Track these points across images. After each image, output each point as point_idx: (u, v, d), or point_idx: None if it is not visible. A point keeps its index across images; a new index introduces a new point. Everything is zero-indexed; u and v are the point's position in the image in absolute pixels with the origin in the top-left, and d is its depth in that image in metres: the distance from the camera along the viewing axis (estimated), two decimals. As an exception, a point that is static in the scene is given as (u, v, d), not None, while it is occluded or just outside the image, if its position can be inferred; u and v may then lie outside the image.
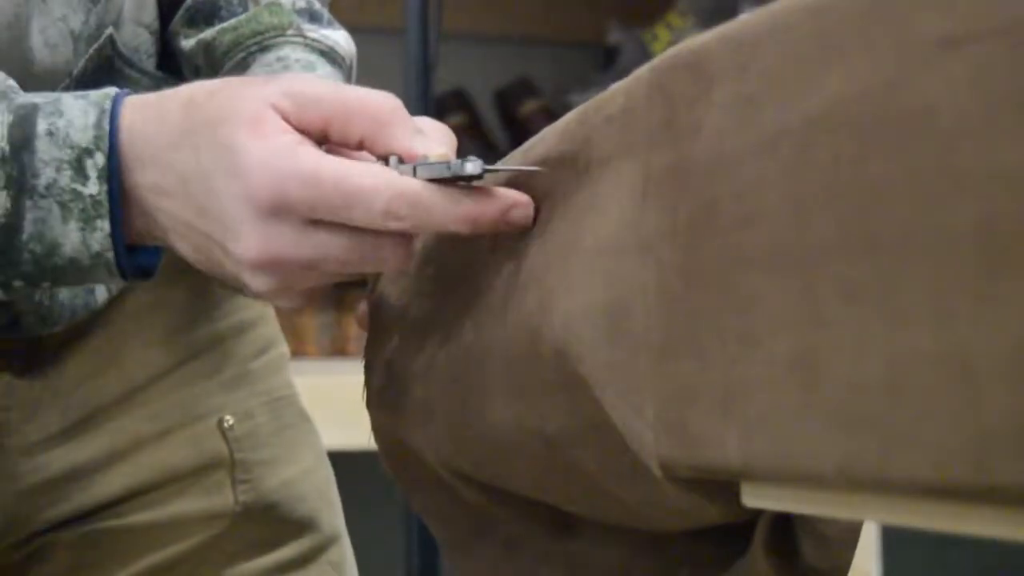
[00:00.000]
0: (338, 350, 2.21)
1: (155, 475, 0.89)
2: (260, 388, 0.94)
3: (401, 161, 0.63)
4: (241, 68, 0.85)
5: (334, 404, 1.04)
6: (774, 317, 0.43)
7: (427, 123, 0.68)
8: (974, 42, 0.35)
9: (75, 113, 0.66)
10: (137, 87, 0.81)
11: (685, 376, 0.48)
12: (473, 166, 0.61)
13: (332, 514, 0.96)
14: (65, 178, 0.65)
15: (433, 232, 0.69)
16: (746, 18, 0.47)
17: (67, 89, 0.77)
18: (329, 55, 0.86)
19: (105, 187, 0.65)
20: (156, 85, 0.82)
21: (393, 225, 0.62)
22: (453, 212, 0.62)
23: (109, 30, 0.80)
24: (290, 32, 0.85)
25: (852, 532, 0.57)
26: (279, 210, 0.62)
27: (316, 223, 0.62)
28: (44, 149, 0.65)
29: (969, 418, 0.35)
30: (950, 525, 0.38)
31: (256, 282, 0.64)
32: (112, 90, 0.67)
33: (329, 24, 0.88)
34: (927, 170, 0.37)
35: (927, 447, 0.36)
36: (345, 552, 0.96)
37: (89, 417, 0.87)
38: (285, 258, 0.63)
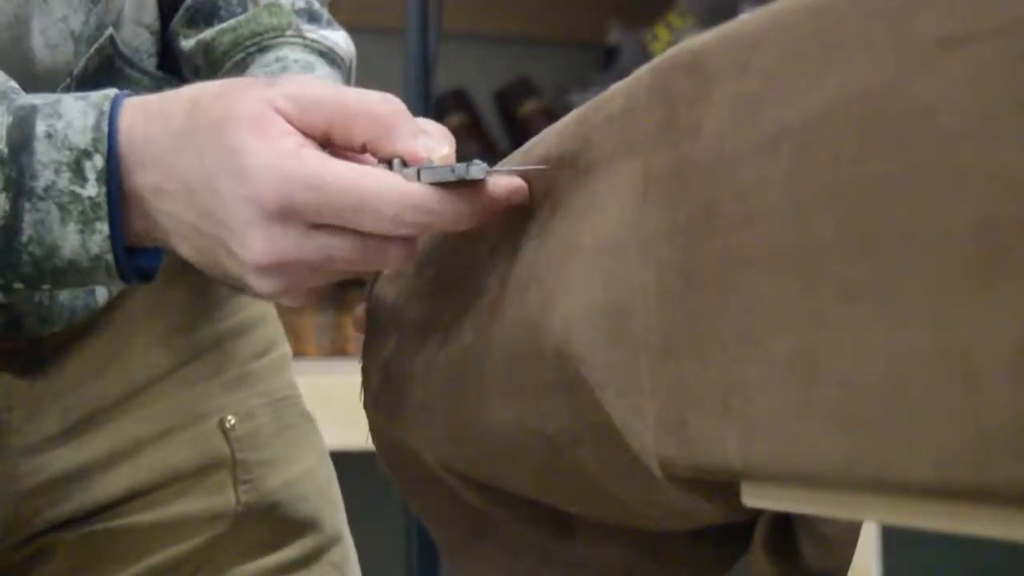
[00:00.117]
0: (338, 350, 2.21)
1: (156, 475, 0.89)
2: (261, 388, 0.94)
3: (404, 164, 0.63)
4: (240, 69, 0.85)
5: (334, 404, 1.04)
6: (774, 317, 0.43)
7: (427, 124, 0.68)
8: (974, 42, 0.35)
9: (74, 115, 0.66)
10: (137, 87, 0.81)
11: (685, 376, 0.48)
12: (478, 170, 0.61)
13: (334, 514, 0.96)
14: (64, 180, 0.65)
15: (433, 232, 0.70)
16: (746, 18, 0.47)
17: (68, 89, 0.77)
18: (328, 56, 0.86)
19: (104, 189, 0.65)
20: (156, 85, 0.82)
21: (401, 231, 0.62)
22: (458, 213, 0.62)
23: (110, 30, 0.80)
24: (289, 33, 0.85)
25: (852, 532, 0.57)
26: (285, 213, 0.62)
27: (321, 226, 0.62)
28: (43, 151, 0.65)
29: (969, 418, 0.35)
30: (950, 525, 0.38)
31: (261, 284, 0.65)
32: (111, 91, 0.67)
33: (328, 25, 0.88)
34: (927, 170, 0.37)
35: (927, 447, 0.36)
36: (347, 552, 0.96)
37: (90, 417, 0.87)
38: (290, 260, 0.63)
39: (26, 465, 0.85)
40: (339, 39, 0.87)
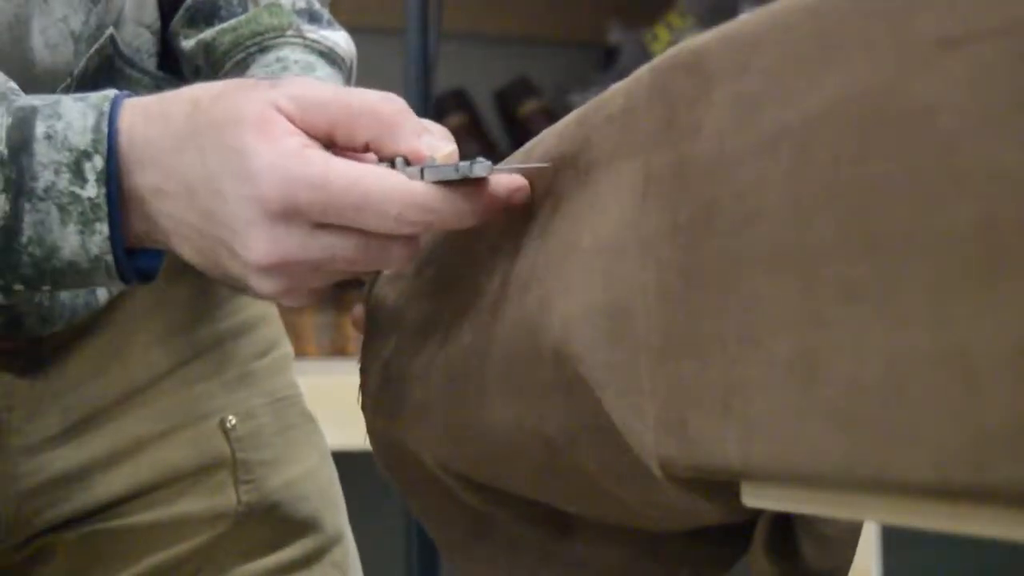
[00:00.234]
0: (338, 350, 2.21)
1: (157, 475, 0.89)
2: (263, 388, 0.94)
3: (407, 163, 0.63)
4: (241, 69, 0.85)
5: (334, 404, 1.04)
6: (774, 317, 0.43)
7: (429, 125, 0.68)
8: (974, 42, 0.35)
9: (74, 115, 0.66)
10: (138, 87, 0.82)
11: (685, 376, 0.48)
12: (481, 167, 0.61)
13: (335, 514, 0.96)
14: (64, 181, 0.65)
15: (434, 231, 0.70)
16: (746, 18, 0.47)
17: (68, 89, 0.77)
18: (328, 56, 0.86)
19: (103, 190, 0.65)
20: (157, 85, 0.82)
21: (404, 230, 0.62)
22: (462, 212, 0.62)
23: (110, 30, 0.80)
24: (289, 33, 0.85)
25: (852, 532, 0.57)
26: (289, 213, 0.62)
27: (325, 226, 0.62)
28: (43, 152, 0.65)
29: (969, 418, 0.35)
30: (950, 525, 0.38)
31: (263, 284, 0.64)
32: (111, 92, 0.67)
33: (329, 25, 0.88)
34: (927, 170, 0.37)
35: (927, 447, 0.36)
36: (349, 552, 0.96)
37: (90, 417, 0.87)
38: (293, 260, 0.63)
39: (26, 465, 0.85)
40: (340, 39, 0.87)
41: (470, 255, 0.67)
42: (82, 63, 0.78)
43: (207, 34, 0.86)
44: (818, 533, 0.55)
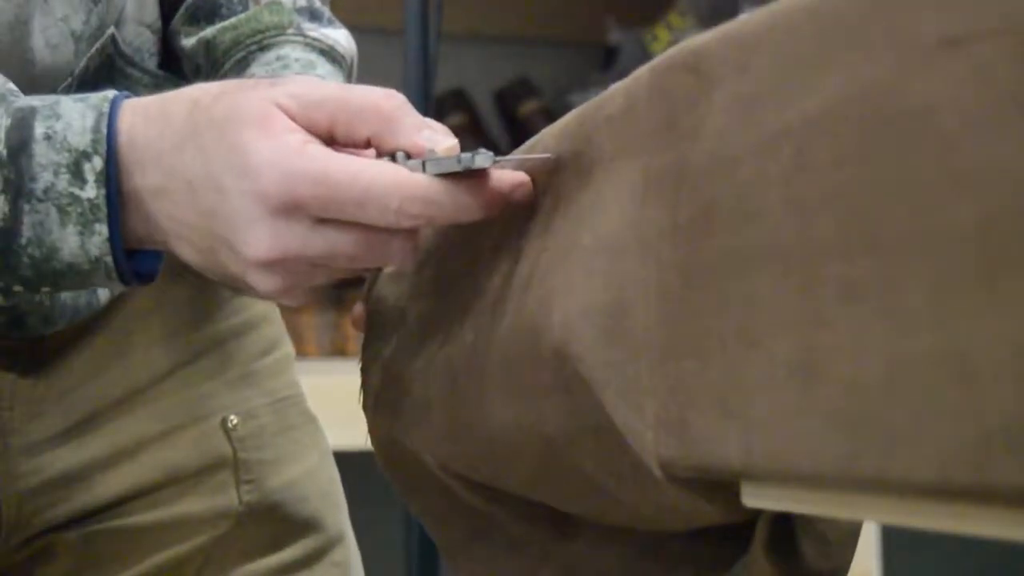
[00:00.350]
0: (338, 350, 2.21)
1: (158, 475, 0.89)
2: (264, 388, 0.94)
3: (409, 157, 0.63)
4: (241, 67, 0.85)
5: (334, 404, 1.04)
6: (774, 317, 0.43)
7: (430, 122, 0.68)
8: (975, 42, 0.35)
9: (73, 116, 0.66)
10: (139, 87, 0.82)
11: (685, 376, 0.48)
12: (483, 159, 0.61)
13: (337, 514, 0.96)
14: (63, 182, 0.65)
15: (435, 230, 0.69)
16: (746, 18, 0.47)
17: (69, 89, 0.77)
18: (329, 54, 0.86)
19: (103, 191, 0.65)
20: (158, 84, 0.82)
21: (406, 223, 0.62)
22: (464, 205, 0.62)
23: (111, 30, 0.80)
24: (290, 31, 0.85)
25: (852, 533, 0.57)
26: (290, 209, 0.61)
27: (326, 221, 0.62)
28: (42, 152, 0.65)
29: (969, 418, 0.35)
30: (950, 525, 0.38)
31: (263, 282, 0.64)
32: (111, 93, 0.67)
33: (329, 23, 0.88)
34: (927, 170, 0.37)
35: (927, 447, 0.36)
36: (350, 552, 0.96)
37: (92, 417, 0.87)
38: (294, 256, 0.63)
39: (27, 465, 0.85)
40: (340, 37, 0.87)
41: (471, 255, 0.67)
42: (83, 63, 0.78)
43: (208, 32, 0.86)
44: (818, 533, 0.55)
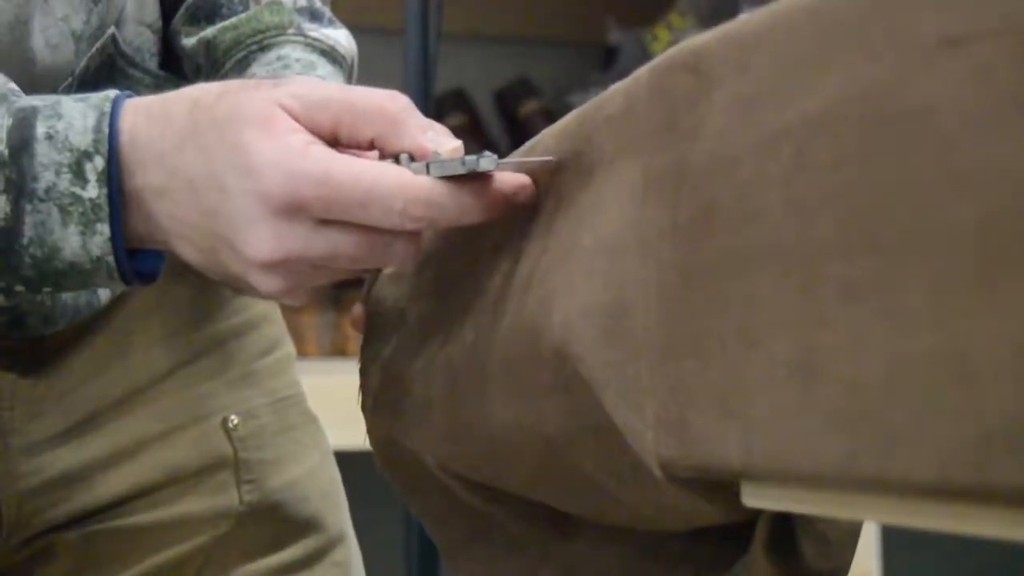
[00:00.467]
0: (338, 350, 2.21)
1: (159, 475, 0.89)
2: (265, 388, 0.94)
3: (412, 158, 0.63)
4: (241, 67, 0.85)
5: (334, 404, 1.04)
6: (774, 317, 0.43)
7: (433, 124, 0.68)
8: (975, 42, 0.35)
9: (74, 116, 0.66)
10: (139, 86, 0.82)
11: (685, 376, 0.48)
12: (488, 162, 0.61)
13: (337, 514, 0.96)
14: (64, 181, 0.65)
15: (435, 231, 0.69)
16: (746, 18, 0.47)
17: (69, 89, 0.77)
18: (329, 54, 0.86)
19: (104, 190, 0.65)
20: (158, 84, 0.82)
21: (409, 225, 0.62)
22: (467, 207, 0.62)
23: (111, 30, 0.80)
24: (291, 31, 0.85)
25: (852, 533, 0.57)
26: (293, 210, 0.61)
27: (328, 222, 0.62)
28: (43, 152, 0.65)
29: (969, 418, 0.35)
30: (950, 525, 0.38)
31: (265, 282, 0.64)
32: (112, 92, 0.67)
33: (330, 23, 0.88)
34: (927, 170, 0.37)
35: (927, 447, 0.36)
36: (351, 552, 0.96)
37: (92, 417, 0.87)
38: (296, 257, 0.62)
39: (28, 465, 0.85)
40: (340, 37, 0.87)
41: (472, 255, 0.67)
42: (83, 63, 0.78)
43: (208, 32, 0.86)
44: (818, 533, 0.55)
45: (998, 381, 0.34)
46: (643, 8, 2.54)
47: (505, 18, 2.60)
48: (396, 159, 0.63)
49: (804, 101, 0.42)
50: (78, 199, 0.65)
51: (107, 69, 0.80)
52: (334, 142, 0.63)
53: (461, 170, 0.61)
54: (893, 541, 2.11)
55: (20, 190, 0.65)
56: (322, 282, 0.66)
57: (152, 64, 0.86)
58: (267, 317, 0.96)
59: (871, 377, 0.38)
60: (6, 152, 0.65)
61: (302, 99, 0.63)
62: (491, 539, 0.72)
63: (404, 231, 0.63)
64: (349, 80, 0.88)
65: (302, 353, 2.10)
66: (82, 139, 0.65)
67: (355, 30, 0.90)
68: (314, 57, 0.85)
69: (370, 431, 0.75)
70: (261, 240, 0.62)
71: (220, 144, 0.62)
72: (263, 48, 0.85)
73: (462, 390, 0.65)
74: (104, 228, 0.65)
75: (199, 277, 0.70)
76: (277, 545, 0.92)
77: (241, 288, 0.68)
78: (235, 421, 0.91)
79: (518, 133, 2.50)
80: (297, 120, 0.63)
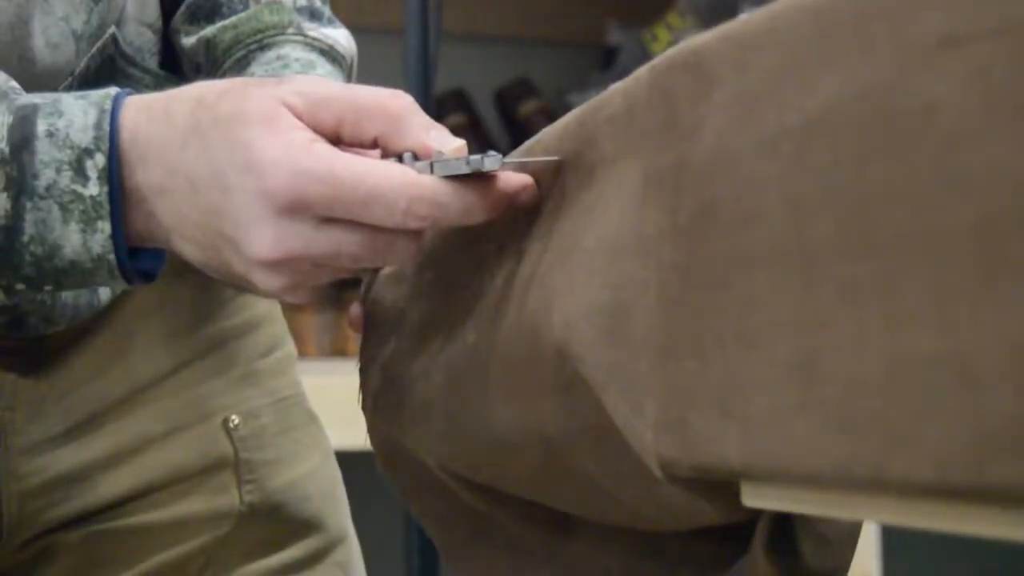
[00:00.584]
0: (338, 350, 2.21)
1: (160, 475, 0.89)
2: (266, 388, 0.93)
3: (416, 157, 0.63)
4: (241, 66, 0.85)
5: (334, 404, 1.04)
6: (774, 317, 0.43)
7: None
8: (974, 42, 0.35)
9: (75, 113, 0.65)
10: (139, 86, 0.82)
11: (685, 376, 0.48)
12: (492, 161, 0.61)
13: (338, 514, 0.96)
14: (65, 179, 0.65)
15: (436, 231, 0.69)
16: (746, 18, 0.47)
17: (69, 88, 0.77)
18: (329, 54, 0.86)
19: (105, 188, 0.65)
20: (158, 84, 0.82)
21: (412, 224, 0.61)
22: (470, 207, 0.62)
23: (112, 29, 0.80)
24: (290, 31, 0.85)
25: (852, 533, 0.57)
26: (296, 208, 0.61)
27: (331, 220, 0.62)
28: (44, 150, 0.65)
29: (969, 418, 0.35)
30: (950, 525, 0.38)
31: (267, 280, 0.64)
32: (113, 90, 0.67)
33: (330, 22, 0.88)
34: (927, 170, 0.37)
35: (927, 447, 0.36)
36: (352, 552, 0.96)
37: (93, 417, 0.87)
38: (299, 255, 0.62)
39: (29, 465, 0.85)
40: (340, 37, 0.87)
41: (473, 256, 0.67)
42: (84, 62, 0.78)
43: (208, 31, 0.86)
44: (818, 533, 0.55)
45: (997, 381, 0.34)
46: (643, 8, 2.54)
47: (505, 18, 2.60)
48: (399, 158, 0.63)
49: (804, 101, 0.42)
50: (79, 197, 0.65)
51: (107, 69, 0.80)
52: (337, 140, 0.63)
53: (465, 169, 0.61)
54: (893, 541, 2.11)
55: (21, 188, 0.65)
56: (324, 280, 0.66)
57: (152, 64, 0.86)
58: (268, 317, 0.96)
59: (871, 377, 0.38)
60: (7, 150, 0.65)
61: (305, 97, 0.63)
62: (491, 539, 0.72)
63: (406, 230, 0.62)
64: (348, 80, 0.87)
65: (302, 353, 2.09)
66: (83, 136, 0.65)
67: (355, 30, 0.90)
68: (313, 56, 0.85)
69: (370, 431, 0.75)
70: (263, 238, 0.62)
71: (223, 142, 0.62)
72: (263, 47, 0.85)
73: (462, 390, 0.65)
74: (105, 226, 0.65)
75: (200, 276, 0.70)
76: (278, 545, 0.92)
77: (243, 287, 0.68)
78: (236, 421, 0.91)
79: (518, 133, 2.50)
80: (300, 118, 0.62)
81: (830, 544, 0.55)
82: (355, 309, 0.76)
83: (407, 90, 0.65)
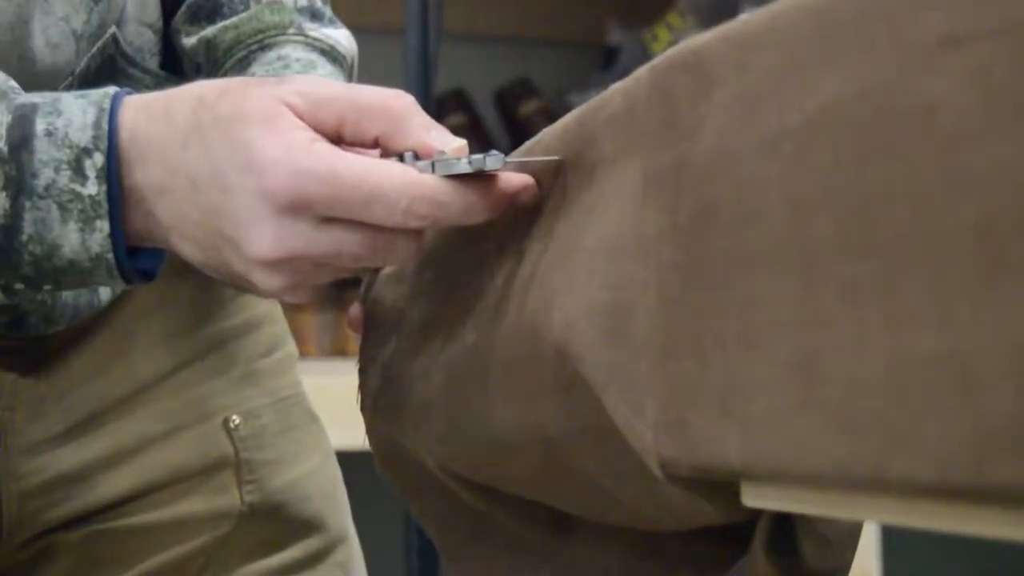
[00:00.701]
0: (338, 350, 2.21)
1: (160, 475, 0.89)
2: (266, 388, 0.93)
3: (417, 157, 0.63)
4: (242, 66, 0.85)
5: (334, 404, 1.04)
6: (774, 317, 0.43)
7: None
8: (975, 42, 0.35)
9: (74, 112, 0.65)
10: (140, 86, 0.82)
11: (685, 376, 0.48)
12: (494, 160, 0.61)
13: (339, 514, 0.96)
14: (64, 178, 0.65)
15: (436, 231, 0.69)
16: (746, 18, 0.47)
17: (69, 88, 0.77)
18: (330, 54, 0.86)
19: (104, 187, 0.65)
20: (159, 84, 0.82)
21: (413, 224, 0.61)
22: (471, 206, 0.61)
23: (112, 29, 0.80)
24: (291, 31, 0.85)
25: (852, 533, 0.57)
26: (296, 207, 0.61)
27: (331, 220, 0.62)
28: (43, 149, 0.65)
29: (969, 418, 0.35)
30: (950, 525, 0.38)
31: (267, 280, 0.64)
32: (112, 89, 0.67)
33: (330, 23, 0.88)
34: (927, 170, 0.37)
35: (927, 447, 0.36)
36: (352, 552, 0.96)
37: (93, 416, 0.87)
38: (299, 255, 0.62)
39: (29, 465, 0.85)
40: (341, 37, 0.87)
41: (473, 256, 0.67)
42: (84, 62, 0.78)
43: (209, 31, 0.86)
44: (818, 533, 0.55)
45: (998, 381, 0.34)
46: (643, 8, 2.54)
47: (505, 18, 2.60)
48: (400, 157, 0.63)
49: (804, 101, 0.42)
50: (78, 196, 0.65)
51: (108, 69, 0.80)
52: (338, 140, 0.63)
53: (467, 169, 0.61)
54: (893, 541, 2.11)
55: (19, 187, 0.65)
56: (324, 280, 0.66)
57: (153, 64, 0.86)
58: (269, 317, 0.96)
59: (871, 377, 0.38)
60: (5, 149, 0.65)
61: (306, 96, 0.63)
62: (491, 539, 0.72)
63: (407, 230, 0.62)
64: (349, 80, 0.87)
65: (302, 353, 2.09)
66: (82, 135, 0.65)
67: (355, 30, 0.90)
68: (314, 57, 0.85)
69: (369, 432, 0.75)
70: (264, 238, 0.62)
71: (223, 141, 0.62)
72: (263, 47, 0.85)
73: (462, 390, 0.65)
74: (104, 225, 0.65)
75: (200, 276, 0.70)
76: (279, 545, 0.91)
77: (243, 286, 0.68)
78: (236, 421, 0.91)
79: (518, 133, 2.50)
80: (301, 117, 0.62)
81: (830, 544, 0.55)
82: (355, 309, 0.76)
83: (407, 90, 0.65)
